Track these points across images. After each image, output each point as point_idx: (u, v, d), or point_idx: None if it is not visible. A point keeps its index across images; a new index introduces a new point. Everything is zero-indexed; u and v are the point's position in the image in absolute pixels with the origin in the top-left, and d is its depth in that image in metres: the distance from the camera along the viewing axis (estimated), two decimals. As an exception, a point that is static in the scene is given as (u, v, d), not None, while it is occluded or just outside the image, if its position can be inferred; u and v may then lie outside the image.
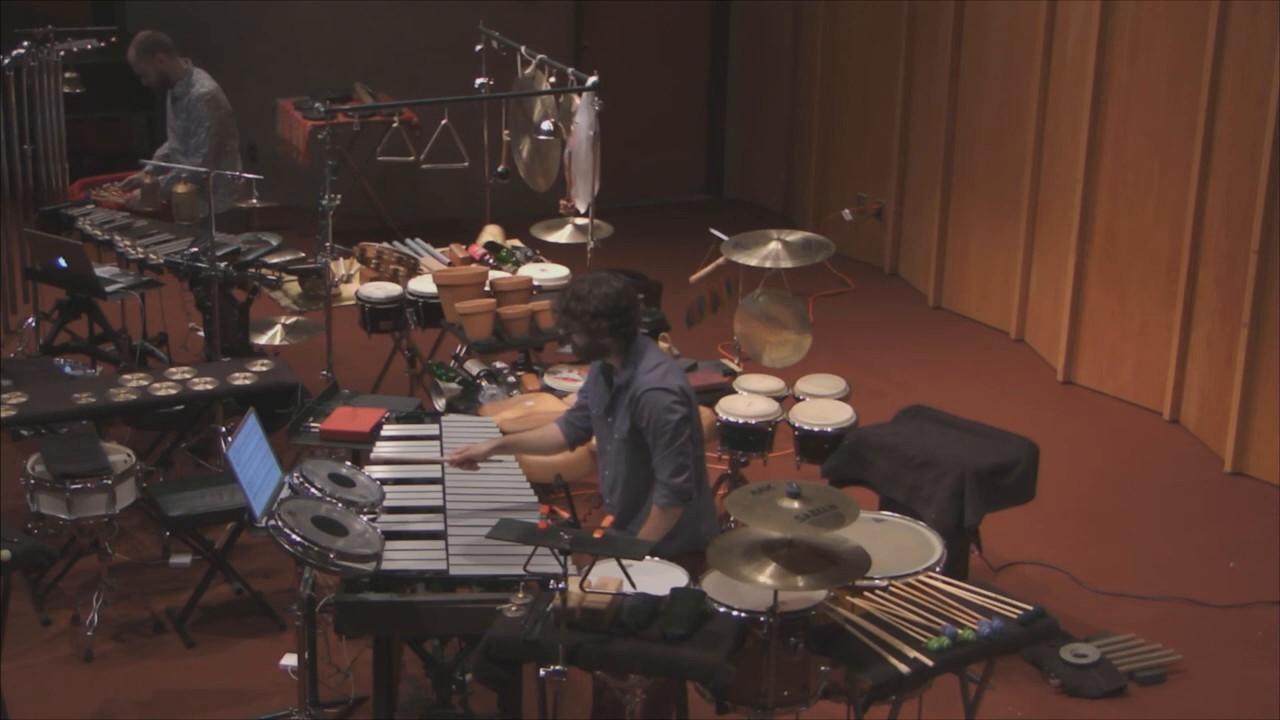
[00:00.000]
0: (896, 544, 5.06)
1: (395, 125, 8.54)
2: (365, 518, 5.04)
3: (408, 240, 8.00)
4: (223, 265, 7.32)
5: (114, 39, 8.96)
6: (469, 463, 5.43)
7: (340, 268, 8.08)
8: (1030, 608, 4.76)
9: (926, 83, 9.65)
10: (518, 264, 7.56)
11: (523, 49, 8.12)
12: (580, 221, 7.58)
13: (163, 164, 8.38)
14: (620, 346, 5.21)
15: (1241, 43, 7.44)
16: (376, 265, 7.66)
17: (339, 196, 6.97)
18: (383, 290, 7.40)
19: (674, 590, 4.65)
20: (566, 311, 5.20)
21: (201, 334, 7.83)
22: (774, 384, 6.70)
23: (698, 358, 7.18)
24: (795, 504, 4.50)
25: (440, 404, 6.71)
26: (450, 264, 7.61)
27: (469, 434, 5.82)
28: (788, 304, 7.19)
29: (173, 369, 6.65)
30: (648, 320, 6.65)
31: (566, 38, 11.02)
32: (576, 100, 7.50)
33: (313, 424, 6.11)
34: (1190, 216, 7.80)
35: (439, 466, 5.52)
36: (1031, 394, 8.53)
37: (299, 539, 4.74)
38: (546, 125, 7.83)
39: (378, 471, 5.49)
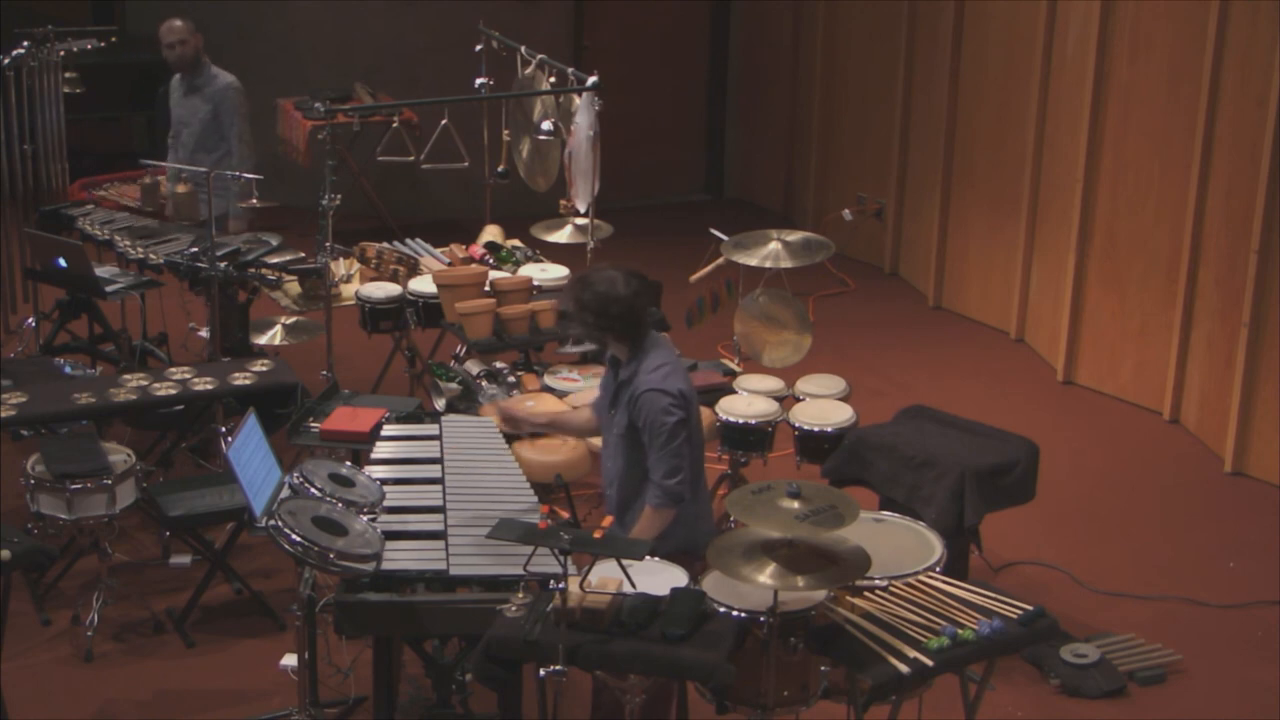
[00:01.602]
0: (896, 544, 5.06)
1: (395, 125, 8.54)
2: (365, 518, 5.04)
3: (408, 240, 8.00)
4: (223, 265, 7.32)
5: (114, 39, 8.96)
6: (514, 421, 5.71)
7: (340, 268, 8.07)
8: (1030, 608, 4.76)
9: (926, 83, 9.65)
10: (518, 264, 7.56)
11: (523, 49, 8.12)
12: (580, 221, 7.58)
13: (188, 168, 8.28)
14: (625, 341, 5.22)
15: (1241, 43, 7.45)
16: (376, 265, 7.66)
17: (339, 196, 6.97)
18: (383, 290, 7.40)
19: (674, 590, 4.65)
20: (576, 300, 5.23)
21: (203, 334, 7.83)
22: (774, 384, 6.70)
23: (698, 358, 7.17)
24: (795, 504, 4.50)
25: (440, 404, 6.71)
26: (450, 264, 7.61)
27: (469, 434, 5.83)
28: (788, 304, 7.19)
29: (173, 369, 6.65)
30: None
31: (566, 38, 11.02)
32: (576, 100, 7.50)
33: (313, 424, 6.11)
34: (1190, 216, 7.81)
35: (439, 466, 5.52)
36: (1031, 394, 8.53)
37: (299, 539, 4.74)
38: (546, 125, 7.83)
39: (378, 471, 5.49)
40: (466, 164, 8.27)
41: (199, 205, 7.97)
